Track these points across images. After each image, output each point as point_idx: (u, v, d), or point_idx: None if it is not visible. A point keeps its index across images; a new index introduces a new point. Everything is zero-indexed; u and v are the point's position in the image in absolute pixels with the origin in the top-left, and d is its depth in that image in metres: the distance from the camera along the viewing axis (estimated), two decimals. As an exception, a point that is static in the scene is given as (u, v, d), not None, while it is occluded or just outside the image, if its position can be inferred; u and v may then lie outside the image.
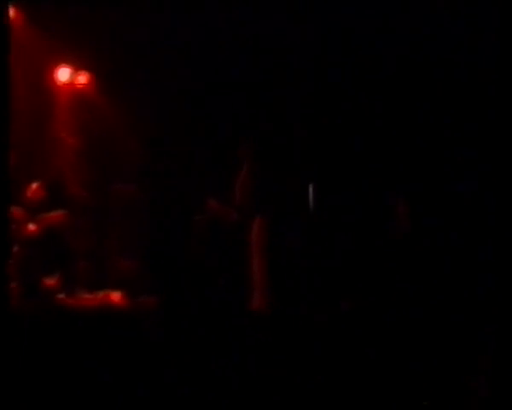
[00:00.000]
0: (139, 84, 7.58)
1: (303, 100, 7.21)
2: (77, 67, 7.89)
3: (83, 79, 8.00)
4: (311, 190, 6.89)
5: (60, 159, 7.79)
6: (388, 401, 5.56)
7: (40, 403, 5.64)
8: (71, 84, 7.97)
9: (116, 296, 6.84)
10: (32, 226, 6.97)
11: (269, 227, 6.32)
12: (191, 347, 6.00)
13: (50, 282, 6.80)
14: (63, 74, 7.94)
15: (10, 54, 5.00)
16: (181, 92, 7.61)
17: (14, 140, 5.20)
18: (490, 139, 5.27)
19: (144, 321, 6.32)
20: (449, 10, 6.54)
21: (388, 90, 7.05)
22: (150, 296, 6.76)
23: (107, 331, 6.14)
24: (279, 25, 7.05)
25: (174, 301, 6.71)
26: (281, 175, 6.49)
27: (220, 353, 5.93)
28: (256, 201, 6.30)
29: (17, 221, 6.77)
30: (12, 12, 6.14)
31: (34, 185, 7.17)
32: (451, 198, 6.80)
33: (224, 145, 7.25)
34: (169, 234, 7.37)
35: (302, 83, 7.24)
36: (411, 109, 6.97)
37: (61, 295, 6.81)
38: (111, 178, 7.87)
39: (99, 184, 7.85)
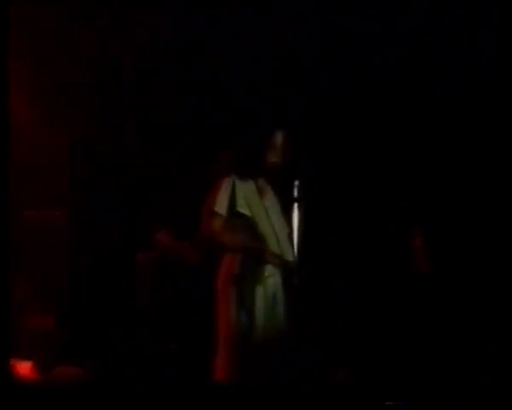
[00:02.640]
0: (66, 73, 6.79)
1: (296, 106, 6.69)
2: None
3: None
4: (297, 216, 5.97)
5: None
6: None
7: None
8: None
9: (24, 368, 6.30)
10: None
11: (242, 269, 5.52)
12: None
13: None
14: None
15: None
16: (124, 88, 6.88)
17: None
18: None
19: (64, 401, 5.31)
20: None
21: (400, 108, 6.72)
22: (72, 366, 6.24)
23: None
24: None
25: (108, 373, 6.15)
26: (267, 200, 5.77)
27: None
28: (231, 233, 5.57)
29: None
30: None
31: None
32: (478, 229, 6.26)
33: (185, 159, 6.76)
34: (103, 278, 6.83)
35: (291, 89, 6.74)
36: (428, 127, 6.63)
37: None
38: (21, 200, 7.02)
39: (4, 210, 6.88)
